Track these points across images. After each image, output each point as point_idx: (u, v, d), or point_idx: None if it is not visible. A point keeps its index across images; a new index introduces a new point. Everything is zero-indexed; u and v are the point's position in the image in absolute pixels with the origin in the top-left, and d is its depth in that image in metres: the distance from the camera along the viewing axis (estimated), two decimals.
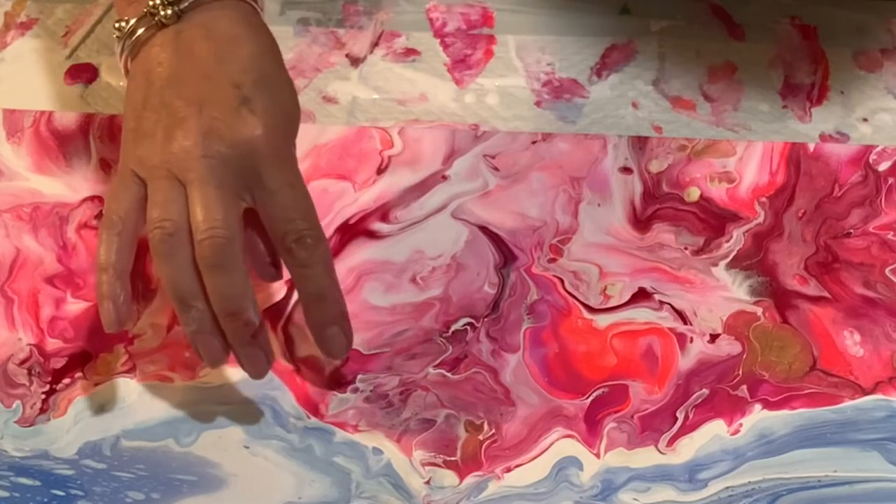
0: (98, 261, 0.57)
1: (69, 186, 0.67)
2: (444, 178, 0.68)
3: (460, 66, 0.72)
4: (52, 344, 0.63)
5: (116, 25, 0.61)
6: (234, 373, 0.62)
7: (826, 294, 0.64)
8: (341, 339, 0.59)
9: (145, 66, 0.59)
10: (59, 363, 0.62)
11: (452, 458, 0.60)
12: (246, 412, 0.61)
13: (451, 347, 0.62)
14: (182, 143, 0.57)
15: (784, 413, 0.61)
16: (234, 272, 0.56)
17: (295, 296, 0.64)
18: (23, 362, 0.62)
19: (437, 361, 0.62)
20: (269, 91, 0.59)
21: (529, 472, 0.59)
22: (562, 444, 0.60)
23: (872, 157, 0.68)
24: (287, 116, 0.59)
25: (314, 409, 0.61)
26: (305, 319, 0.60)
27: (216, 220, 0.56)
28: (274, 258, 0.60)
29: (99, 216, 0.66)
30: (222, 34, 0.59)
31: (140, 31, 0.60)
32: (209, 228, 0.56)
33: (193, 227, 0.56)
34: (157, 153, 0.57)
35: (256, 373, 0.59)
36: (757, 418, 0.60)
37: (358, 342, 0.62)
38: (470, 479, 0.59)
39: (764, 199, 0.67)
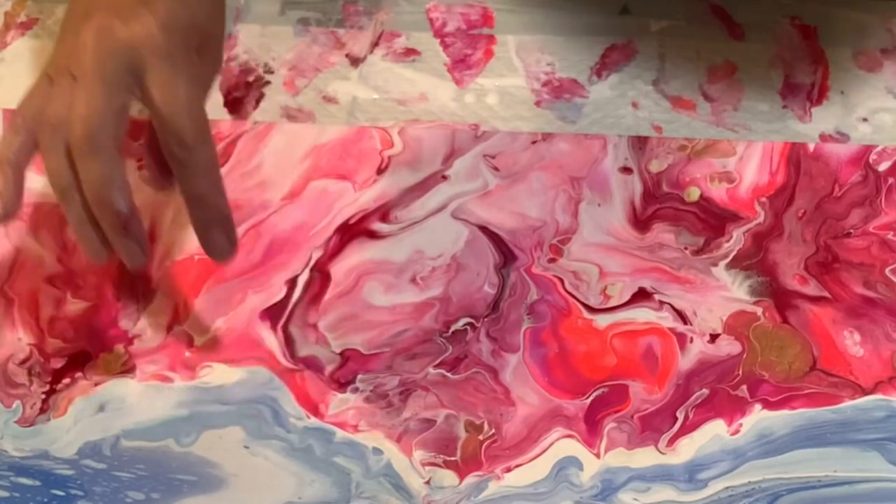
0: None
1: None
2: (444, 178, 0.68)
3: (460, 66, 0.72)
4: (52, 344, 0.63)
5: None
6: (234, 373, 0.62)
7: (826, 294, 0.64)
8: (223, 242, 0.60)
9: None
10: (59, 363, 0.62)
11: (452, 458, 0.60)
12: (246, 412, 0.61)
13: (451, 347, 0.62)
14: (81, 39, 0.57)
15: (784, 413, 0.61)
16: (103, 159, 0.56)
17: (295, 296, 0.64)
18: (23, 362, 0.62)
19: (437, 361, 0.62)
20: None
21: (529, 472, 0.59)
22: (562, 444, 0.60)
23: (872, 157, 0.68)
24: (190, 21, 0.59)
25: (314, 409, 0.61)
26: (190, 221, 0.60)
27: (90, 108, 0.56)
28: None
29: None
30: None
31: None
32: (81, 116, 0.56)
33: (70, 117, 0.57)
34: (63, 54, 0.58)
35: (131, 264, 0.59)
36: (757, 418, 0.60)
37: (358, 342, 0.63)
38: (470, 479, 0.59)
39: (764, 199, 0.67)
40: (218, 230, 0.59)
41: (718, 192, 0.67)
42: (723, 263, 0.65)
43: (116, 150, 0.57)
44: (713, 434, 0.60)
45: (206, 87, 0.61)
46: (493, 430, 0.60)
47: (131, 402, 0.61)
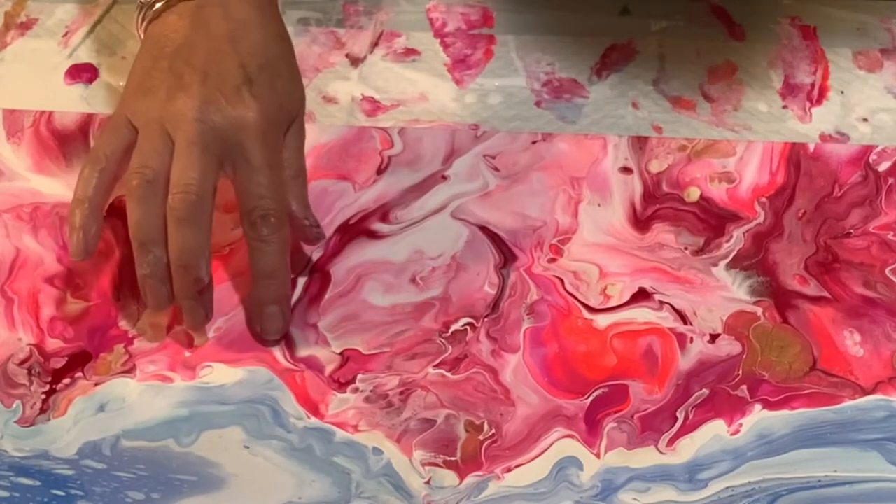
0: (76, 193, 0.61)
1: (69, 186, 0.67)
2: (444, 178, 0.68)
3: (460, 66, 0.72)
4: (52, 344, 0.63)
5: None
6: (234, 373, 0.62)
7: (826, 294, 0.64)
8: (279, 320, 0.62)
9: (162, 30, 0.63)
10: (59, 363, 0.62)
11: (452, 458, 0.59)
12: (246, 412, 0.61)
13: (450, 347, 0.62)
14: (182, 104, 0.60)
15: (784, 413, 0.61)
16: (197, 229, 0.59)
17: (295, 296, 0.64)
18: (23, 362, 0.62)
19: (437, 361, 0.62)
20: (271, 77, 0.62)
21: (529, 472, 0.59)
22: (562, 444, 0.60)
23: (872, 157, 0.68)
24: (283, 104, 0.62)
25: (314, 409, 0.61)
26: (250, 294, 0.62)
27: (193, 179, 0.59)
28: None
29: None
30: (238, 16, 0.63)
31: (163, 1, 0.63)
32: (185, 184, 0.59)
33: (172, 180, 0.59)
34: (157, 108, 0.61)
35: (192, 325, 0.62)
36: (757, 418, 0.60)
37: (358, 342, 0.62)
38: (470, 479, 0.59)
39: (764, 199, 0.67)
40: (276, 307, 0.62)
41: (718, 192, 0.67)
42: (723, 263, 0.65)
43: (210, 223, 0.60)
44: (713, 434, 0.60)
45: (293, 169, 0.63)
46: (493, 430, 0.60)
47: (131, 402, 0.61)
